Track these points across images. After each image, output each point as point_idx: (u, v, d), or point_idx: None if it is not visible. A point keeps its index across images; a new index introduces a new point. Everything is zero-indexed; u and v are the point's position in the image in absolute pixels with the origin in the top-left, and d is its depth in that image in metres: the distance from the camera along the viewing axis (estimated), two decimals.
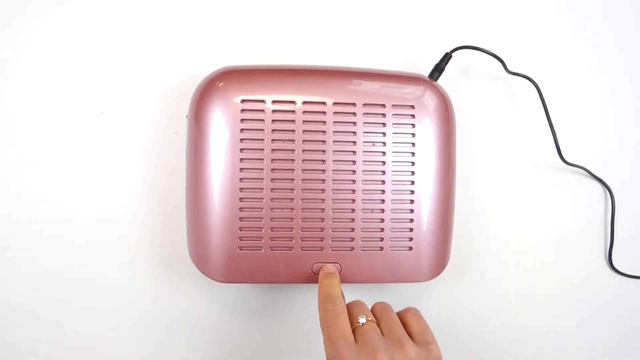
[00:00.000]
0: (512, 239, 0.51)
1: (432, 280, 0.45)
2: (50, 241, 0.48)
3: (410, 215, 0.43)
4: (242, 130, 0.41)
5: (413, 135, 0.43)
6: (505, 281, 0.51)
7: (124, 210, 0.48)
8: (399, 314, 0.40)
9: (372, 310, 0.39)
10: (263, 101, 0.41)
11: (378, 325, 0.37)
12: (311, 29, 0.50)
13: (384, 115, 0.42)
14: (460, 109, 0.46)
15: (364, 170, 0.42)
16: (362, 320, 0.37)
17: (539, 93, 0.48)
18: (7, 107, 0.48)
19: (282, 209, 0.42)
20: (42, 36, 0.48)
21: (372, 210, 0.43)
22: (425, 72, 0.45)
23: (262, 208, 0.42)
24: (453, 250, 0.46)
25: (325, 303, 0.38)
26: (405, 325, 0.38)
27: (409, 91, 0.43)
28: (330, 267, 0.42)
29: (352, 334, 0.36)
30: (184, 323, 0.49)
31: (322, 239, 0.42)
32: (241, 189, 0.41)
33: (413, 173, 0.43)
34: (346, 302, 0.39)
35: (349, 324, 0.37)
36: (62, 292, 0.48)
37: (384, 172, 0.42)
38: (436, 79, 0.45)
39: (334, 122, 0.42)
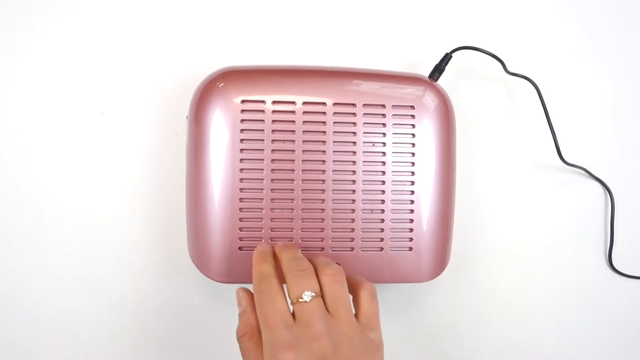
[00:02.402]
0: (511, 239, 0.51)
1: (432, 280, 0.45)
2: (50, 241, 0.48)
3: (410, 216, 0.43)
4: (242, 130, 0.41)
5: (413, 135, 0.43)
6: (505, 281, 0.51)
7: (124, 210, 0.48)
8: (352, 286, 0.36)
9: (320, 280, 0.35)
10: (263, 101, 0.41)
11: (324, 299, 0.34)
12: (311, 29, 0.50)
13: (384, 115, 0.42)
14: (460, 110, 0.46)
15: (364, 171, 0.42)
16: (306, 296, 0.33)
17: (538, 94, 0.48)
18: (7, 107, 0.48)
19: (282, 209, 0.42)
20: (42, 36, 0.48)
21: (372, 210, 0.43)
22: (425, 72, 0.45)
23: (262, 208, 0.42)
24: (453, 251, 0.46)
25: (260, 284, 0.35)
26: (355, 303, 0.36)
27: (409, 92, 0.43)
28: (263, 246, 0.39)
29: (290, 315, 0.33)
30: (183, 323, 0.49)
31: (322, 239, 0.42)
32: (241, 189, 0.41)
33: (413, 173, 0.43)
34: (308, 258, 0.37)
35: (286, 305, 0.34)
36: (62, 292, 0.48)
37: (384, 173, 0.42)
38: (436, 80, 0.45)
39: (334, 122, 0.42)
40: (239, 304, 0.37)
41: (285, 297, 0.34)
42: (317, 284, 0.35)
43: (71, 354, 0.48)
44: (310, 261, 0.37)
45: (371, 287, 0.36)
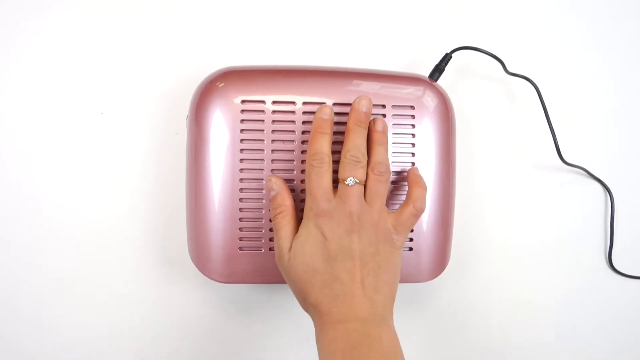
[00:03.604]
0: (511, 239, 0.51)
1: (432, 280, 0.45)
2: (50, 241, 0.48)
3: None
4: (242, 130, 0.41)
5: (413, 135, 0.43)
6: (505, 281, 0.51)
7: (124, 210, 0.48)
8: (409, 192, 0.40)
9: (368, 172, 0.39)
10: (263, 102, 0.41)
11: (365, 189, 0.39)
12: (311, 29, 0.50)
13: (384, 115, 0.42)
14: (460, 110, 0.46)
15: None
16: (350, 181, 0.38)
17: (538, 94, 0.48)
18: (7, 107, 0.48)
19: None
20: (42, 36, 0.48)
21: None
22: (425, 72, 0.46)
23: (262, 208, 0.42)
24: (453, 251, 0.46)
25: (314, 157, 0.38)
26: (400, 206, 0.40)
27: (409, 92, 0.43)
28: (327, 112, 0.40)
29: (332, 192, 0.38)
30: (183, 323, 0.49)
31: None
32: (241, 189, 0.41)
33: None
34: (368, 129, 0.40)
35: (331, 182, 0.38)
36: (62, 292, 0.48)
37: None
38: (436, 80, 0.45)
39: (334, 122, 0.42)
40: (272, 189, 0.40)
41: (331, 175, 0.39)
42: (365, 175, 0.39)
43: (70, 355, 0.48)
44: (370, 147, 0.40)
45: (420, 207, 0.40)
